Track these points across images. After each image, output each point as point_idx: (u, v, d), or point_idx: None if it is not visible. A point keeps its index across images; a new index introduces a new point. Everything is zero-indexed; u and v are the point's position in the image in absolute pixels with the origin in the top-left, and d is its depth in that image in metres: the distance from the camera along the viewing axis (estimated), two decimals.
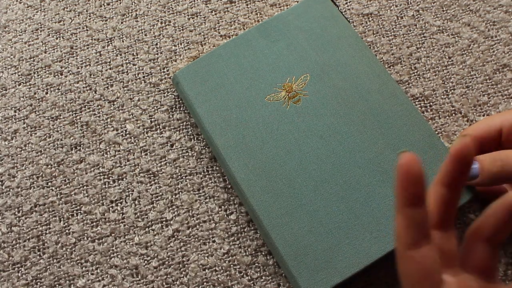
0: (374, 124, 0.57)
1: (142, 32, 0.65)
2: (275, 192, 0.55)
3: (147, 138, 0.60)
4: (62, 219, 0.57)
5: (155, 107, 0.62)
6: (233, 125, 0.58)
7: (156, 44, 0.65)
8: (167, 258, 0.56)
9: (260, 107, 0.58)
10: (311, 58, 0.60)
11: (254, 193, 0.55)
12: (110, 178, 0.59)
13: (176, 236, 0.56)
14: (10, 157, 0.60)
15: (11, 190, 0.58)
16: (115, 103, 0.62)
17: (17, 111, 0.62)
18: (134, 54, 0.64)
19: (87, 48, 0.64)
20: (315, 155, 0.56)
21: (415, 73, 0.62)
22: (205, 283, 0.55)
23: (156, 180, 0.59)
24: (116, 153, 0.60)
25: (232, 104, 0.59)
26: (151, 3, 0.66)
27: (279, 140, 0.57)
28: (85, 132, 0.61)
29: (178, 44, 0.64)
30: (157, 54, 0.64)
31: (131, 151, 0.60)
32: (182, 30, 0.65)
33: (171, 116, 0.61)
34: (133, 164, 0.59)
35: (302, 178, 0.55)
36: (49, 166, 0.59)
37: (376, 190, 0.54)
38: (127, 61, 0.64)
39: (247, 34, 0.62)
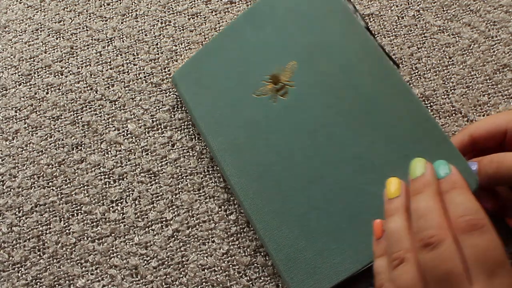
0: (364, 113, 0.52)
1: (142, 32, 0.65)
2: (267, 195, 0.54)
3: (148, 138, 0.60)
4: (62, 219, 0.57)
5: (157, 107, 0.62)
6: (225, 126, 0.57)
7: (157, 44, 0.65)
8: (166, 258, 0.56)
9: (248, 104, 0.57)
10: (298, 42, 0.56)
11: (247, 197, 0.54)
12: (111, 178, 0.59)
13: (175, 236, 0.56)
14: (11, 157, 0.60)
15: (12, 190, 0.59)
16: (116, 103, 0.62)
17: (18, 111, 0.62)
18: (135, 54, 0.64)
19: (87, 48, 0.64)
20: (303, 153, 0.54)
21: (416, 73, 0.62)
22: (204, 283, 0.55)
23: (156, 180, 0.59)
24: (117, 153, 0.60)
25: (224, 103, 0.57)
26: (151, 3, 0.66)
27: (268, 140, 0.55)
28: (86, 132, 0.61)
29: (178, 44, 0.64)
30: (158, 54, 0.64)
31: (132, 151, 0.60)
32: (183, 30, 0.65)
33: (172, 116, 0.61)
34: (134, 164, 0.59)
35: (290, 180, 0.54)
36: (50, 166, 0.59)
37: (368, 190, 0.51)
38: (127, 61, 0.64)
39: (235, 24, 0.60)
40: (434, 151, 0.49)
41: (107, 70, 0.63)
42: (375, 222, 0.46)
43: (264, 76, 0.57)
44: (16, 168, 0.60)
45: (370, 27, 0.64)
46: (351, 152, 0.52)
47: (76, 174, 0.59)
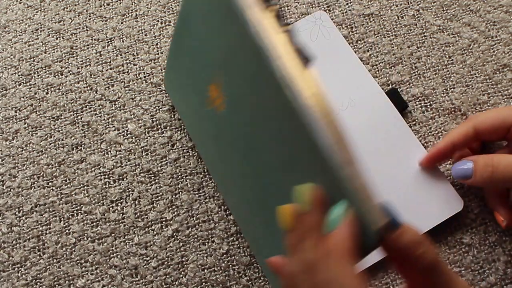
0: (275, 132, 0.40)
1: (142, 32, 0.65)
2: (241, 209, 0.54)
3: (148, 138, 0.60)
4: (62, 219, 0.57)
5: (157, 107, 0.62)
6: (200, 137, 0.56)
7: (157, 44, 0.64)
8: (166, 258, 0.56)
9: (205, 117, 0.51)
10: (215, 47, 0.44)
11: (233, 207, 0.55)
12: (111, 178, 0.59)
13: (175, 236, 0.56)
14: (11, 157, 0.60)
15: (12, 190, 0.59)
16: (116, 103, 0.62)
17: (18, 111, 0.62)
18: (135, 54, 0.64)
19: (87, 48, 0.64)
20: (247, 176, 0.47)
21: (416, 73, 0.62)
22: (203, 283, 0.55)
23: (156, 180, 0.59)
24: (117, 153, 0.60)
25: (192, 115, 0.55)
26: (151, 3, 0.66)
27: (223, 155, 0.51)
28: (86, 132, 0.61)
29: None
30: (158, 54, 0.64)
31: (132, 151, 0.60)
32: None
33: (172, 116, 0.61)
34: (134, 164, 0.59)
35: (248, 199, 0.49)
36: (50, 166, 0.59)
37: None
38: (127, 61, 0.64)
39: (177, 30, 0.51)
40: (333, 183, 0.35)
41: (107, 70, 0.63)
42: (268, 262, 0.40)
43: (208, 87, 0.47)
44: (16, 168, 0.60)
45: (370, 27, 0.64)
46: (279, 179, 0.42)
47: (76, 174, 0.59)
